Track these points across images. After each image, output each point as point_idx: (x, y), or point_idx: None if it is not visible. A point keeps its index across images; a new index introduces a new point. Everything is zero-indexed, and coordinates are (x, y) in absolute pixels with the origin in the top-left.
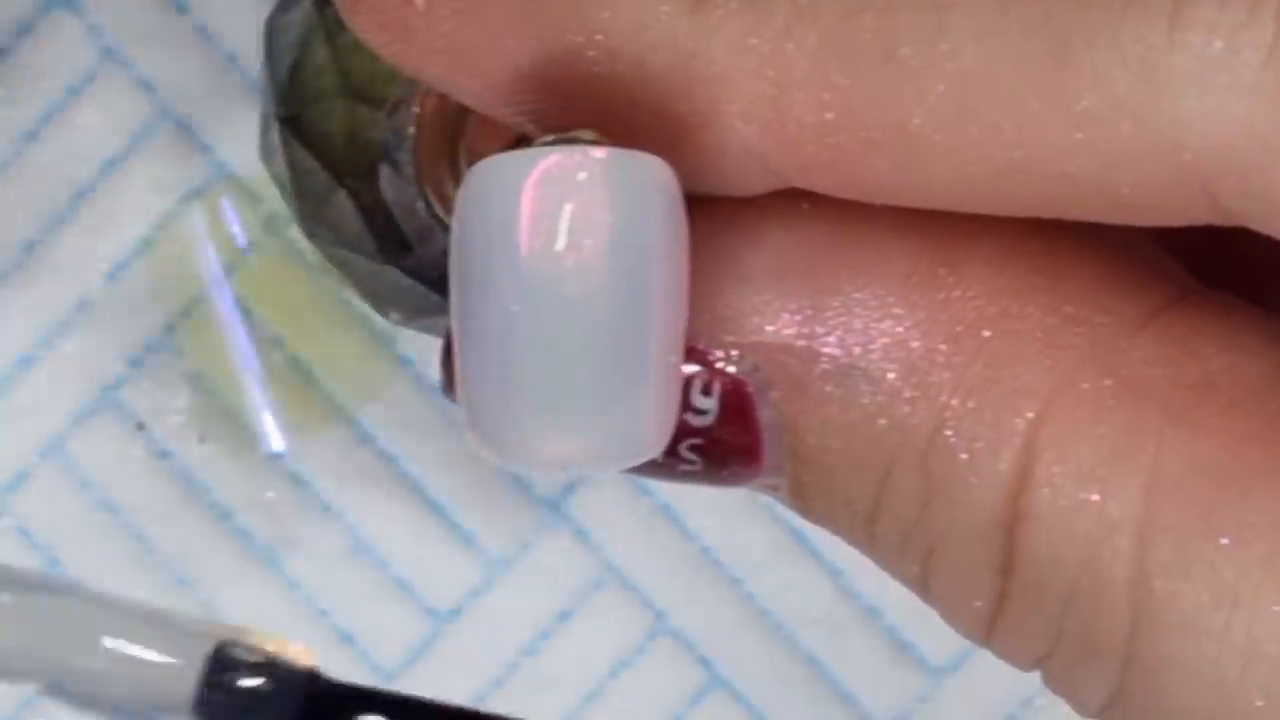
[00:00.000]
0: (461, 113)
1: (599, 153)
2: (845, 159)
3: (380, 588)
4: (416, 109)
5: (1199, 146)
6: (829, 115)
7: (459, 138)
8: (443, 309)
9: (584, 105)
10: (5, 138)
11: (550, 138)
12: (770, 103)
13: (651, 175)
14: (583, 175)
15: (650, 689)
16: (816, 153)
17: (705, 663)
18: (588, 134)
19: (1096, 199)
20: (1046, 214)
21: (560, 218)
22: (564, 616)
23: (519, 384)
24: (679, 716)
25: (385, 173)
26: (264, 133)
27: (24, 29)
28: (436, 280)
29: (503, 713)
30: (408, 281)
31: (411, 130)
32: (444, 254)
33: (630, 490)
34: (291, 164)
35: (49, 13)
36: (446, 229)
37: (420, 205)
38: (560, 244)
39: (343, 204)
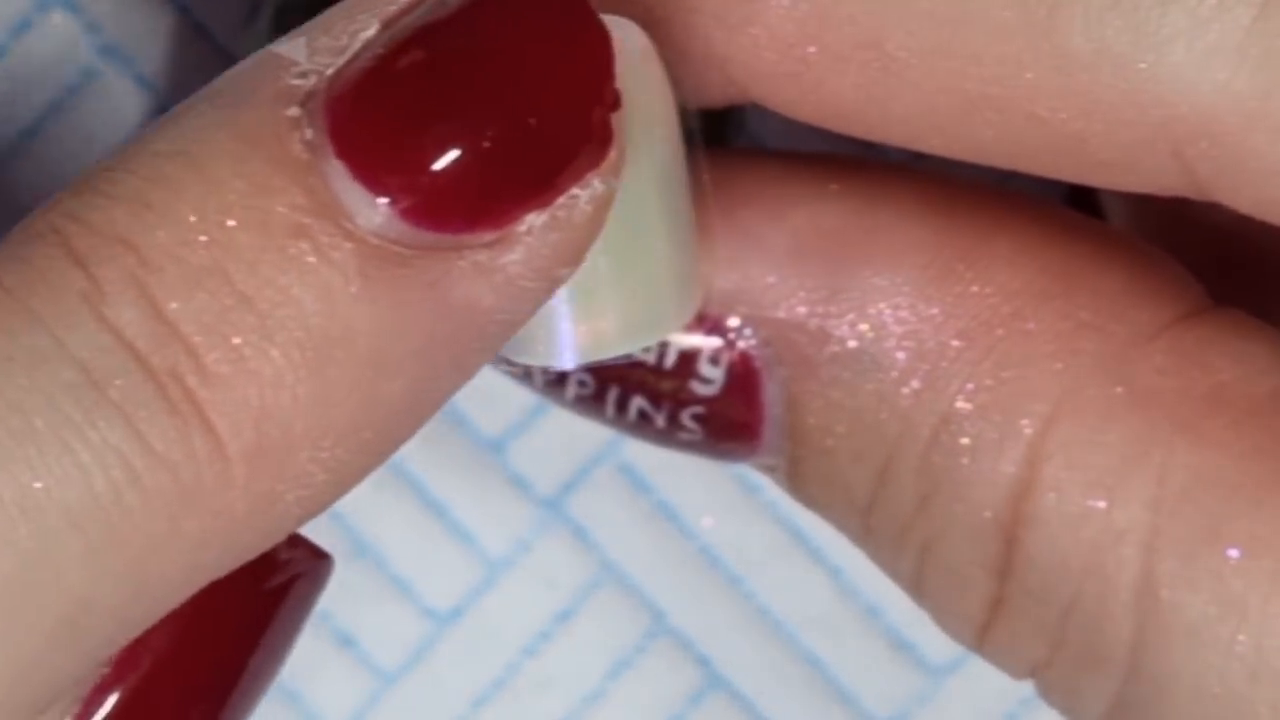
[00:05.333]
0: None
1: None
2: (810, 74)
3: (380, 588)
4: None
5: (1176, 104)
6: (802, 24)
7: None
8: None
9: None
10: (5, 138)
11: None
12: (744, 3)
13: (631, 39)
14: None
15: (650, 688)
16: (780, 64)
17: (704, 662)
18: None
19: (1063, 149)
20: (1005, 162)
21: None
22: (564, 616)
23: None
24: (678, 716)
25: None
26: None
27: (23, 28)
28: None
29: (503, 713)
30: None
31: None
32: None
33: (630, 489)
34: None
35: (48, 12)
36: None
37: None
38: None
39: None
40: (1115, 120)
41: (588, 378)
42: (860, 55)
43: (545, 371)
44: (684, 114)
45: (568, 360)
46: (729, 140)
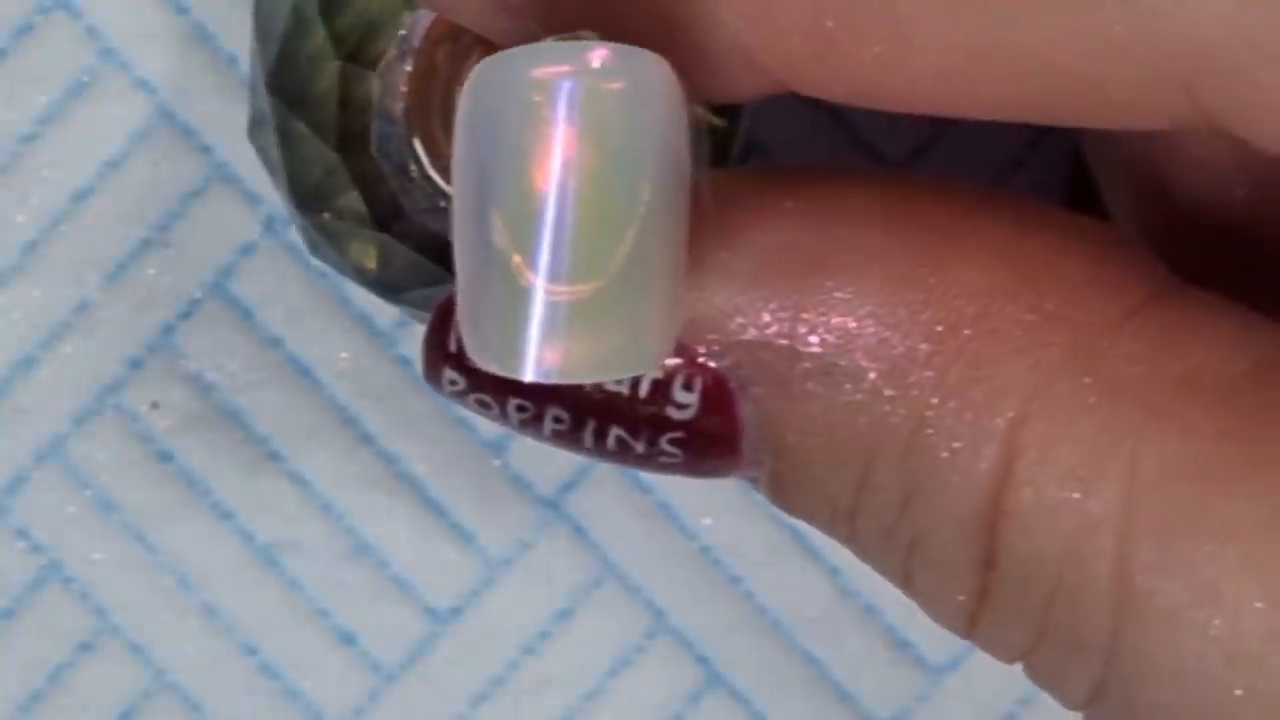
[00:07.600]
0: (454, 69)
1: (600, 50)
2: (832, 51)
3: (380, 588)
4: (409, 67)
5: (1184, 39)
6: (817, 2)
7: (452, 95)
8: (438, 278)
9: (575, 2)
10: (5, 139)
11: (553, 38)
12: None
13: (652, 72)
14: (582, 73)
15: (650, 688)
16: (803, 45)
17: (704, 661)
18: (590, 34)
19: (1078, 94)
20: (1028, 116)
21: (559, 117)
22: (564, 615)
23: (516, 290)
24: (678, 715)
25: (378, 133)
26: (254, 109)
27: (23, 30)
28: (430, 245)
29: (503, 711)
30: (401, 248)
31: (404, 89)
32: (436, 215)
33: (629, 489)
34: (284, 135)
35: (48, 14)
36: (439, 191)
37: (413, 166)
38: (560, 144)
39: (336, 170)
40: (1124, 60)
41: (564, 414)
42: (875, 24)
43: (521, 410)
44: (699, 137)
45: (533, 376)
46: (744, 160)
